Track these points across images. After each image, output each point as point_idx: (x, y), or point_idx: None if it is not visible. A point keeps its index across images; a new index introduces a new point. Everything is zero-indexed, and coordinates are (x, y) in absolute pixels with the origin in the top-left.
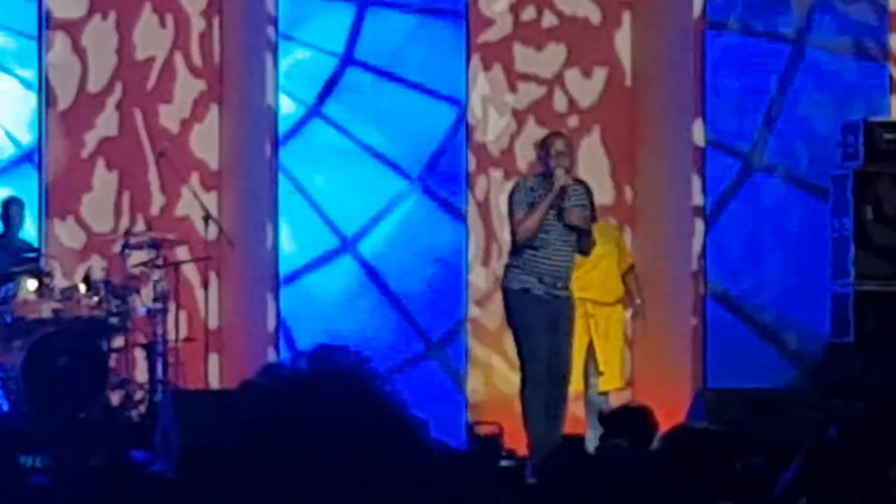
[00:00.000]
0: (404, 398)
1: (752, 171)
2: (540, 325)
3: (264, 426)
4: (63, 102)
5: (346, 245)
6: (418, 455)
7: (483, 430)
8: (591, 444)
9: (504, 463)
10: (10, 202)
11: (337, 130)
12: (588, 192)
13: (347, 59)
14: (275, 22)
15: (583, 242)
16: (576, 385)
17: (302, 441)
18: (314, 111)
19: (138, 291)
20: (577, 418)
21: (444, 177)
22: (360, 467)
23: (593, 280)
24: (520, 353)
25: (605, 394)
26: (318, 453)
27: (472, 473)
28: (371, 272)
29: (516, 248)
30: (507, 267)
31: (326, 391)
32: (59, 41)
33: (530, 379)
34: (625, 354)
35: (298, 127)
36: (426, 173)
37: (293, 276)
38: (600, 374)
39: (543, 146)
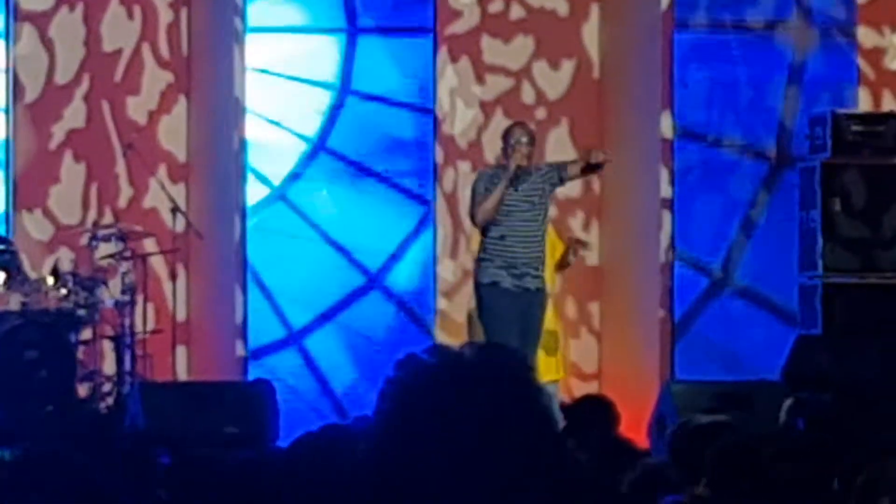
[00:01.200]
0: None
1: (721, 289)
2: (509, 317)
3: (424, 400)
4: (31, 94)
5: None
6: (563, 466)
7: None
8: None
9: None
10: None
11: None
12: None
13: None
14: (242, 13)
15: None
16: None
17: (457, 419)
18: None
19: (106, 284)
20: None
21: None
22: (509, 469)
23: None
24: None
25: (554, 383)
26: (465, 434)
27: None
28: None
29: (484, 241)
30: (477, 260)
31: (486, 379)
32: (27, 33)
33: None
34: (564, 346)
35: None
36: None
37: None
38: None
39: (505, 136)
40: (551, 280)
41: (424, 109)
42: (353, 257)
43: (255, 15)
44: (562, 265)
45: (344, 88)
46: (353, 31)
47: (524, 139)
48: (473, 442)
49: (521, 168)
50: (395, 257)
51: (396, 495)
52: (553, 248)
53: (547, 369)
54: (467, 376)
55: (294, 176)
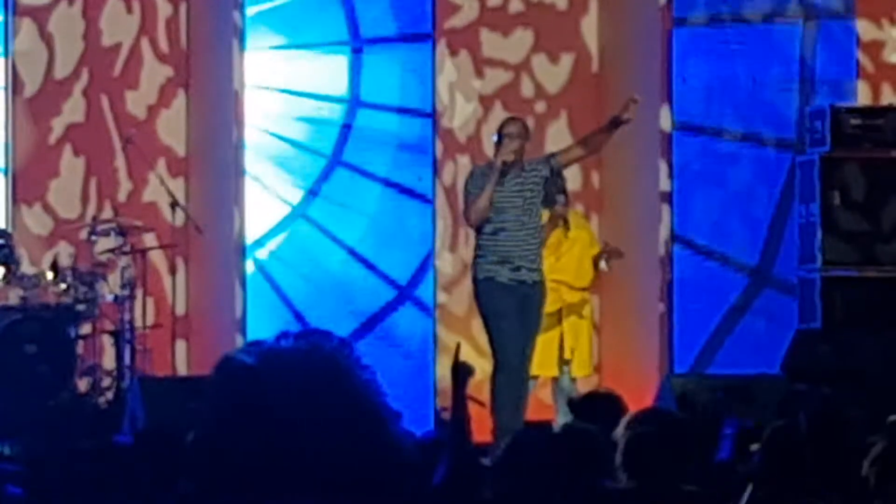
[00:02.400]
0: (381, 389)
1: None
2: (508, 311)
3: (238, 402)
4: (30, 89)
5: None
6: (386, 448)
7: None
8: None
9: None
10: None
11: None
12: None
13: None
14: (241, 7)
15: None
16: (551, 371)
17: (274, 420)
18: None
19: (105, 278)
20: (545, 404)
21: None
22: (326, 453)
23: (567, 264)
24: (490, 341)
25: (574, 380)
26: (287, 434)
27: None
28: None
29: (479, 237)
30: (474, 257)
31: (305, 370)
32: (26, 28)
33: (501, 366)
34: (593, 341)
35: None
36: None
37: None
38: (568, 360)
39: (498, 131)
40: (580, 274)
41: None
42: (380, 270)
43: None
44: (595, 265)
45: (355, 102)
46: (357, 45)
47: (513, 133)
48: (298, 435)
49: (506, 164)
50: (423, 268)
51: (224, 497)
52: (590, 247)
53: (582, 364)
54: (285, 370)
55: (312, 193)
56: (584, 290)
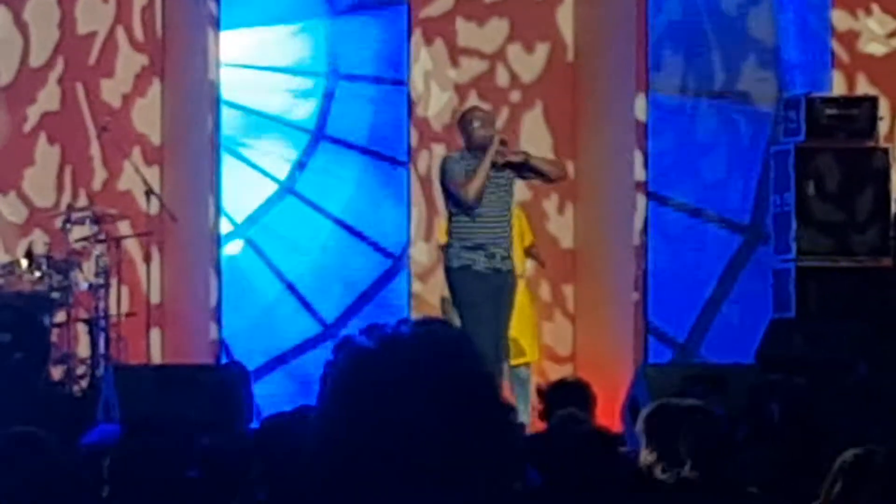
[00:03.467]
0: (495, 382)
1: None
2: (482, 299)
3: (357, 384)
4: (4, 77)
5: None
6: (508, 437)
7: None
8: (523, 416)
9: None
10: None
11: None
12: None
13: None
14: None
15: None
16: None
17: (391, 403)
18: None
19: (80, 266)
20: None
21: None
22: (442, 438)
23: None
24: (463, 328)
25: (527, 366)
26: (403, 416)
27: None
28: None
29: (453, 224)
30: (446, 246)
31: (424, 356)
32: (1, 15)
33: None
34: (537, 328)
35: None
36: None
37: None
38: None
39: (466, 120)
40: (521, 262)
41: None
42: (372, 241)
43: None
44: (527, 254)
45: (333, 73)
46: (333, 14)
47: (484, 118)
48: (416, 421)
49: (504, 142)
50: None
51: (342, 481)
52: (522, 233)
53: (518, 352)
54: (405, 355)
55: (300, 166)
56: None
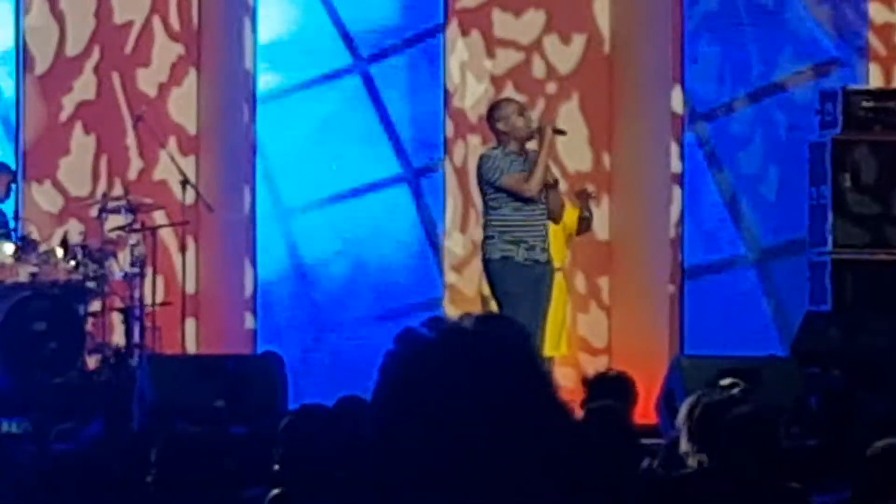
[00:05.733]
0: (555, 382)
1: None
2: (523, 291)
3: (417, 374)
4: (41, 66)
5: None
6: (566, 436)
7: None
8: None
9: None
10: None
11: None
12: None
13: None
14: None
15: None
16: (554, 349)
17: (450, 394)
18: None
19: (115, 256)
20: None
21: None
22: (504, 431)
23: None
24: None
25: (551, 359)
26: (467, 409)
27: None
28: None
29: (492, 217)
30: (485, 239)
31: (484, 350)
32: (37, 5)
33: None
34: (567, 322)
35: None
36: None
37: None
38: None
39: (502, 113)
40: (562, 254)
41: None
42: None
43: None
44: (581, 228)
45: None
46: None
47: (518, 109)
48: (476, 415)
49: (559, 131)
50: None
51: (401, 472)
52: (568, 217)
53: (550, 344)
54: (467, 349)
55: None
56: (558, 269)
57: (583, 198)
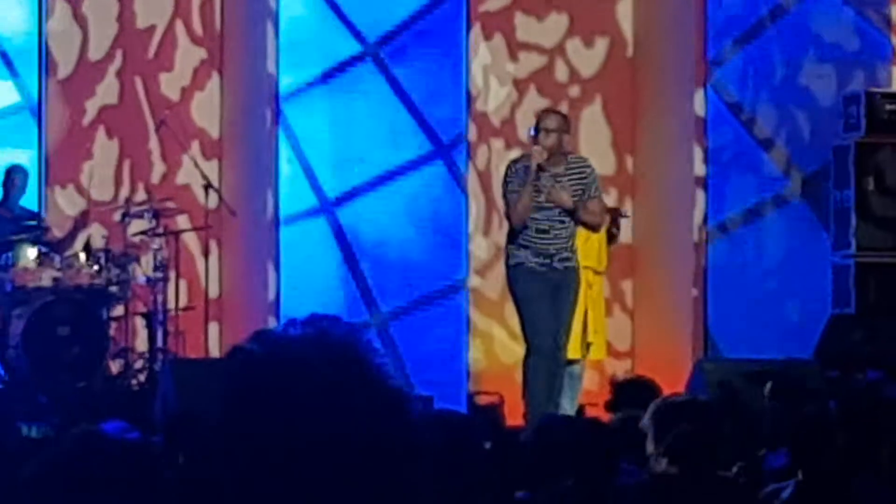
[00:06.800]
0: (395, 373)
1: None
2: (540, 295)
3: (251, 393)
4: (63, 70)
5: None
6: (405, 430)
7: (483, 399)
8: (569, 411)
9: None
10: (14, 170)
11: None
12: (584, 168)
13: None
14: None
15: (576, 218)
16: (576, 354)
17: (288, 409)
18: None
19: (138, 260)
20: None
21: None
22: (344, 439)
23: (589, 250)
24: (522, 326)
25: (576, 363)
26: (302, 422)
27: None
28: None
29: (510, 229)
30: (505, 246)
31: (316, 358)
32: (60, 9)
33: (533, 350)
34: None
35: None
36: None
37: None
38: (589, 343)
39: (535, 124)
40: (598, 258)
41: None
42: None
43: None
44: (610, 240)
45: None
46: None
47: (551, 128)
48: (310, 425)
49: (541, 167)
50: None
51: (242, 493)
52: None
53: (599, 348)
54: (292, 357)
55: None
56: (601, 273)
57: (614, 214)
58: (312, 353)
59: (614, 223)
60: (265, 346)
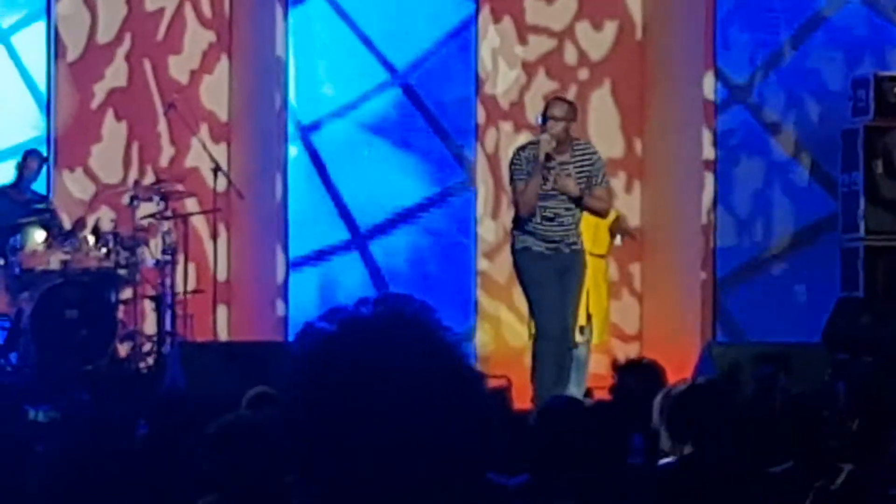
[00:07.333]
0: (465, 350)
1: None
2: (546, 278)
3: (330, 372)
4: (72, 53)
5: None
6: (480, 408)
7: (491, 383)
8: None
9: None
10: (30, 154)
11: None
12: (590, 156)
13: None
14: None
15: (582, 205)
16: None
17: (367, 387)
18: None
19: (147, 243)
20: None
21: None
22: (423, 416)
23: (585, 233)
24: (530, 309)
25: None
26: (381, 401)
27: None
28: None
29: (515, 215)
30: (511, 231)
31: (392, 338)
32: None
33: (541, 333)
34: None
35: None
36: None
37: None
38: (583, 326)
39: (543, 112)
40: (602, 243)
41: None
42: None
43: None
44: (611, 235)
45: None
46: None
47: (558, 116)
48: (386, 403)
49: (549, 157)
50: None
51: (311, 471)
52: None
53: (601, 331)
54: (367, 336)
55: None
56: (601, 256)
57: (621, 225)
58: (388, 332)
59: (618, 231)
60: (341, 326)
